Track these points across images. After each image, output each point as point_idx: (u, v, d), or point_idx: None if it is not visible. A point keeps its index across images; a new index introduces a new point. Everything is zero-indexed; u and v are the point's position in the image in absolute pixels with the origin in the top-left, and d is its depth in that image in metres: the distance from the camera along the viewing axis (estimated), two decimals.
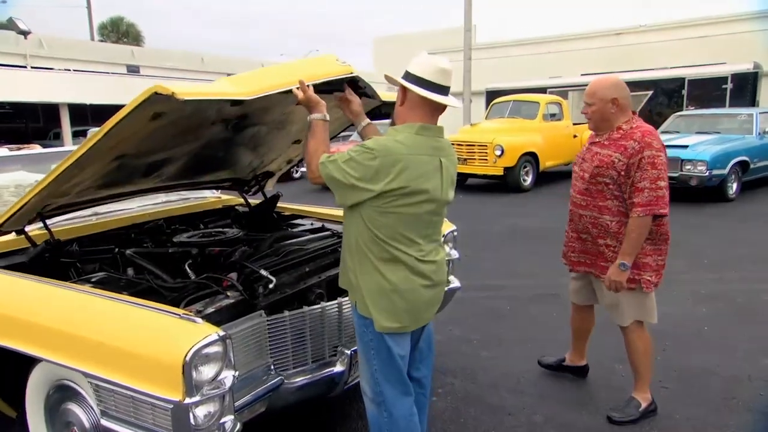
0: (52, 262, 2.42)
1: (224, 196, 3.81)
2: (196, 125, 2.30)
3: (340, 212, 3.54)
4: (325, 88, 2.33)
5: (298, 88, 2.02)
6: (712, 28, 19.06)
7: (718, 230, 6.75)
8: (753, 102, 14.39)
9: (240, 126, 2.56)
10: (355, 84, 2.39)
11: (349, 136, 11.29)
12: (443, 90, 1.87)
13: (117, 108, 1.86)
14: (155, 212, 3.25)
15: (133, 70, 25.89)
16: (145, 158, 2.39)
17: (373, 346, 1.92)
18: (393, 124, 1.96)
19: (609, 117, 2.57)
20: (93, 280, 2.29)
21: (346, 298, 2.40)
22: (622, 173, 2.47)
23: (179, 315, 1.75)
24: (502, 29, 43.79)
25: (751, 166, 8.59)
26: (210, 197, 3.73)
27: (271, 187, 3.56)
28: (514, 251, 6.08)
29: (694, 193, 8.32)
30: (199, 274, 2.38)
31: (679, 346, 3.47)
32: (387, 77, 2.10)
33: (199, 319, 1.73)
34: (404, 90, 1.90)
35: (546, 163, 10.43)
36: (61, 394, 2.09)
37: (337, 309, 2.38)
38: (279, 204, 3.44)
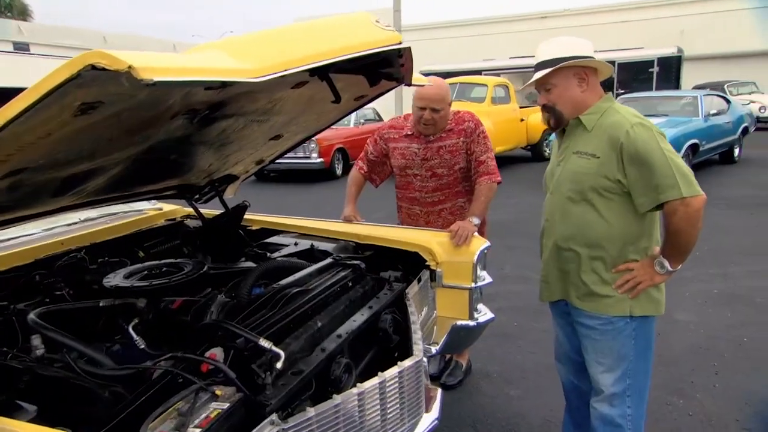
0: None
1: (166, 207, 2.87)
2: (146, 121, 1.41)
3: (324, 225, 2.76)
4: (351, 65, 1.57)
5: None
6: (633, 13, 19.67)
7: None
8: (677, 85, 14.85)
9: (210, 119, 1.69)
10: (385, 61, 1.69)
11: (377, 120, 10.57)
12: None
13: (5, 92, 0.99)
14: (69, 238, 2.27)
15: (21, 48, 22.81)
16: (58, 172, 1.47)
17: (633, 336, 1.86)
18: (556, 119, 1.90)
19: (449, 115, 2.77)
20: None
21: (391, 372, 1.64)
22: (467, 152, 2.74)
23: None
24: (427, 11, 43.39)
25: (701, 148, 8.59)
26: (148, 210, 2.77)
27: (231, 194, 2.68)
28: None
29: None
30: (152, 341, 1.54)
31: (727, 365, 3.02)
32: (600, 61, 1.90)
33: None
34: (585, 72, 1.86)
35: (497, 147, 10.00)
36: None
37: (378, 390, 1.60)
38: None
